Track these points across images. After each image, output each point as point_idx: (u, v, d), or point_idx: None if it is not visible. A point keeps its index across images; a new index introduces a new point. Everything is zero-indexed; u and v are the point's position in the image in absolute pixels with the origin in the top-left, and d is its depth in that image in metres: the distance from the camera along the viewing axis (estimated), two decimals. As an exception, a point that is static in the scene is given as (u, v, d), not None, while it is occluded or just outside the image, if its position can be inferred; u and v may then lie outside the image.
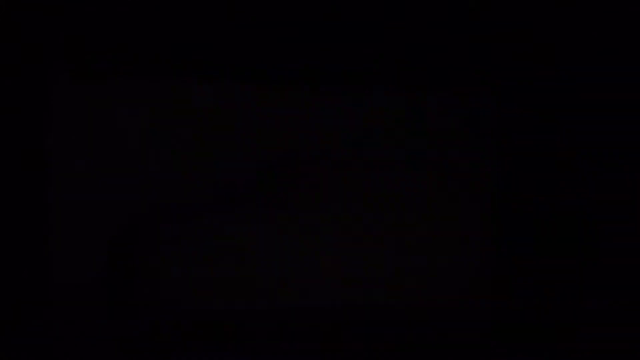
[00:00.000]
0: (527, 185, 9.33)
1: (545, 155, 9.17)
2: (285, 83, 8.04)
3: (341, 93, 8.33)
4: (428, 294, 8.00)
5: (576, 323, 7.82)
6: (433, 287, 8.02)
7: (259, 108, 8.32)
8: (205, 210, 7.81)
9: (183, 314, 7.21)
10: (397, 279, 8.08)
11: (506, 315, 8.12)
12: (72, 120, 8.49)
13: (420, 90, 8.80)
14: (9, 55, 7.20)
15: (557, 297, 8.34)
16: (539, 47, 8.99)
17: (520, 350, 7.02)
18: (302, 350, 6.71)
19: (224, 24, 8.06)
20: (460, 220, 7.92)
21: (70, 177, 8.48)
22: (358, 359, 6.62)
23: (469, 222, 7.90)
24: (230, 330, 6.89)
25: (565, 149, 9.03)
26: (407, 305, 8.09)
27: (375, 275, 8.10)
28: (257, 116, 8.48)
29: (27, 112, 7.86)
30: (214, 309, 7.41)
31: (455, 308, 8.10)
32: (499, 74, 9.03)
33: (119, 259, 7.39)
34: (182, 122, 8.31)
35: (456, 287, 8.06)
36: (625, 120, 8.35)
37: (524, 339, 7.48)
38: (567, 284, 8.47)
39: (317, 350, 6.71)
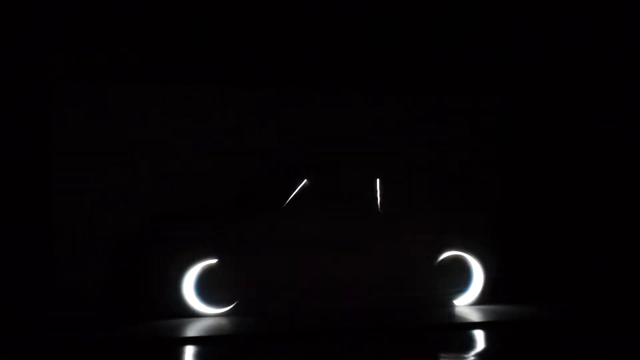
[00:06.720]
0: (528, 187, 9.29)
1: (546, 157, 9.15)
2: (284, 84, 8.09)
3: (342, 94, 8.38)
4: (432, 293, 7.95)
5: (578, 321, 7.77)
6: (436, 286, 7.97)
7: (258, 110, 8.36)
8: (207, 213, 7.78)
9: (183, 317, 7.20)
10: (398, 279, 8.04)
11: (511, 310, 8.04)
12: (73, 128, 8.48)
13: (424, 94, 8.81)
14: (10, 59, 7.25)
15: (558, 295, 8.31)
16: (540, 51, 8.99)
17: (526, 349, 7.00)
18: (298, 351, 6.70)
19: (222, 26, 8.11)
20: (463, 220, 7.92)
21: (72, 184, 8.46)
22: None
23: (473, 221, 7.89)
24: (229, 332, 6.89)
25: (565, 151, 9.00)
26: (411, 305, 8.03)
27: (378, 277, 8.05)
28: (256, 118, 8.51)
29: (29, 118, 7.88)
30: (214, 312, 7.40)
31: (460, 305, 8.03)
32: (502, 79, 9.04)
33: (121, 264, 7.38)
34: (182, 124, 8.33)
35: (460, 284, 8.01)
36: (626, 121, 8.34)
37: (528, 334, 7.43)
38: (567, 282, 8.46)
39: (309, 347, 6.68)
